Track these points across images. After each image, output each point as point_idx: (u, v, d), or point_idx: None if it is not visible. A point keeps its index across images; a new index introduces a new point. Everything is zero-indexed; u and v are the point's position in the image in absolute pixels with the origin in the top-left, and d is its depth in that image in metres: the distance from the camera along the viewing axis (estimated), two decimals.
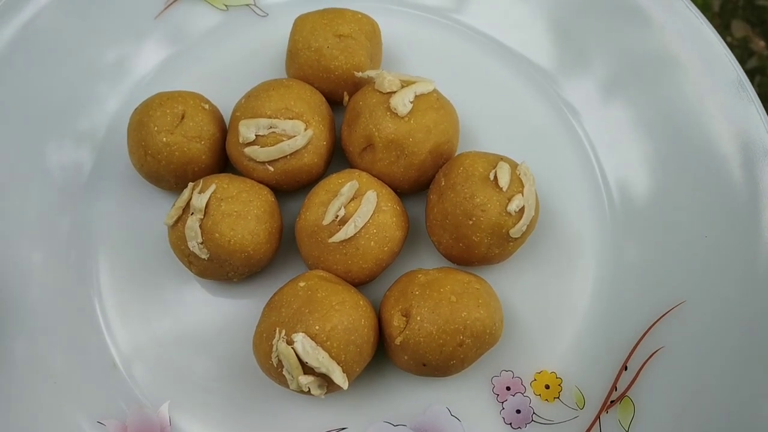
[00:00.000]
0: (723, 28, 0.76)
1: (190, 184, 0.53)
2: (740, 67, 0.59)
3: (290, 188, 0.57)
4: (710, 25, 0.60)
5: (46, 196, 0.59)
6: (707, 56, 0.60)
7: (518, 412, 0.54)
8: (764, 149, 0.57)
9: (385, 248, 0.53)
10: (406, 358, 0.50)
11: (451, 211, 0.52)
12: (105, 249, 0.58)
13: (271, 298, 0.51)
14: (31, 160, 0.60)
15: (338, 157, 0.59)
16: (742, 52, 0.75)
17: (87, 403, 0.54)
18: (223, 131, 0.58)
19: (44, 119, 0.61)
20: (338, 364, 0.48)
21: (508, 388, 0.55)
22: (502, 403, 0.55)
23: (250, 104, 0.55)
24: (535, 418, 0.54)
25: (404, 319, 0.50)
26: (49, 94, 0.61)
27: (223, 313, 0.57)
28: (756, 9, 0.76)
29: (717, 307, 0.55)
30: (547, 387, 0.55)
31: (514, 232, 0.52)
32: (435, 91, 0.56)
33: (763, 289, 0.54)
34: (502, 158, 0.54)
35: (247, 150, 0.54)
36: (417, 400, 0.55)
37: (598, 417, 0.54)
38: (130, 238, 0.59)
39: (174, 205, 0.53)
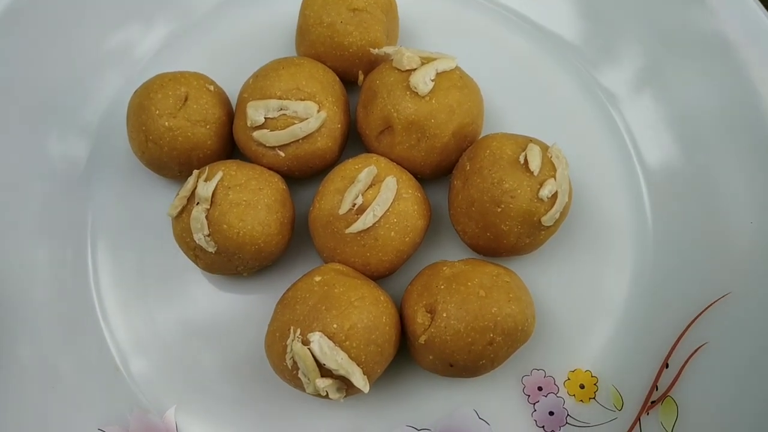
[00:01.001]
0: None
1: (195, 172, 0.50)
2: None
3: (302, 175, 0.53)
4: (762, 7, 0.56)
5: (44, 188, 0.56)
6: (758, 37, 0.55)
7: (551, 414, 0.51)
8: None
9: (407, 239, 0.49)
10: (431, 357, 0.47)
11: (477, 198, 0.48)
12: (105, 244, 0.55)
13: (284, 294, 0.48)
14: (29, 152, 0.56)
15: (353, 140, 0.55)
16: None
17: (89, 409, 0.51)
18: (230, 114, 0.54)
19: (41, 106, 0.57)
20: (358, 365, 0.44)
21: (539, 389, 0.52)
22: (534, 404, 0.51)
23: (259, 84, 0.51)
24: (569, 420, 0.51)
25: (429, 315, 0.46)
26: (46, 78, 0.58)
27: (233, 311, 0.54)
28: None
29: (765, 299, 0.51)
30: (582, 387, 0.52)
31: (546, 219, 0.48)
32: (457, 68, 0.52)
33: None
34: (531, 140, 0.50)
35: (256, 134, 0.50)
36: (442, 402, 0.51)
37: (638, 419, 0.50)
38: (132, 232, 0.56)
39: (178, 194, 0.49)
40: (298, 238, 0.54)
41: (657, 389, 0.51)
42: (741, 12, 0.56)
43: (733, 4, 0.56)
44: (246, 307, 0.53)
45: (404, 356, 0.50)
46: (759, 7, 0.56)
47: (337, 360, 0.43)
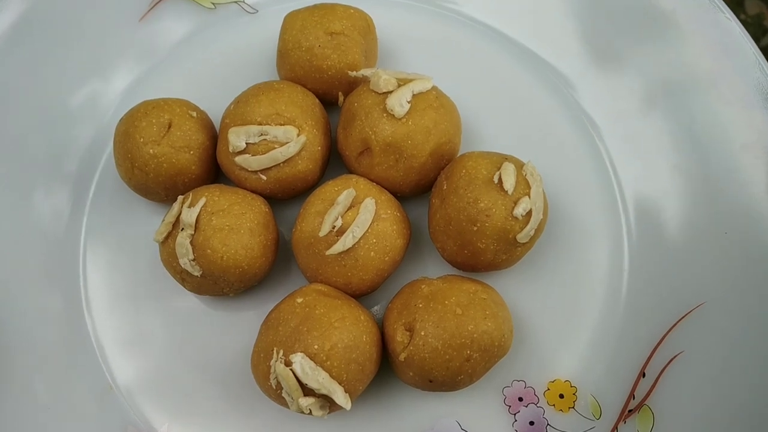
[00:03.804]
0: (737, 6, 0.73)
1: (180, 198, 0.51)
2: None
3: (285, 197, 0.54)
4: (748, 36, 0.57)
5: (35, 209, 0.57)
6: (736, 68, 0.57)
7: (531, 424, 0.52)
8: None
9: (386, 258, 0.50)
10: (411, 374, 0.48)
11: (454, 217, 0.49)
12: (97, 267, 0.56)
13: (268, 315, 0.49)
14: (23, 159, 0.58)
15: (335, 160, 0.56)
16: (756, 29, 0.73)
17: (84, 428, 0.52)
18: (213, 139, 0.55)
19: (30, 125, 0.58)
20: (340, 383, 0.46)
21: (520, 399, 0.53)
22: (515, 414, 0.53)
23: (239, 110, 0.52)
24: (549, 429, 0.52)
25: (408, 333, 0.48)
26: (41, 90, 0.59)
27: (222, 329, 0.55)
28: None
29: (738, 308, 0.52)
30: (562, 396, 0.53)
31: (522, 237, 0.49)
32: (434, 88, 0.53)
33: None
34: (506, 158, 0.51)
35: (238, 159, 0.52)
36: (425, 414, 0.53)
37: (615, 427, 0.51)
38: (122, 255, 0.57)
39: (163, 220, 0.50)
40: (284, 257, 0.55)
41: (634, 398, 0.52)
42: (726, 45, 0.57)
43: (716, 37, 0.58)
44: (234, 324, 0.55)
45: (387, 371, 0.51)
46: (745, 36, 0.57)
47: (319, 380, 0.45)
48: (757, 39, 0.72)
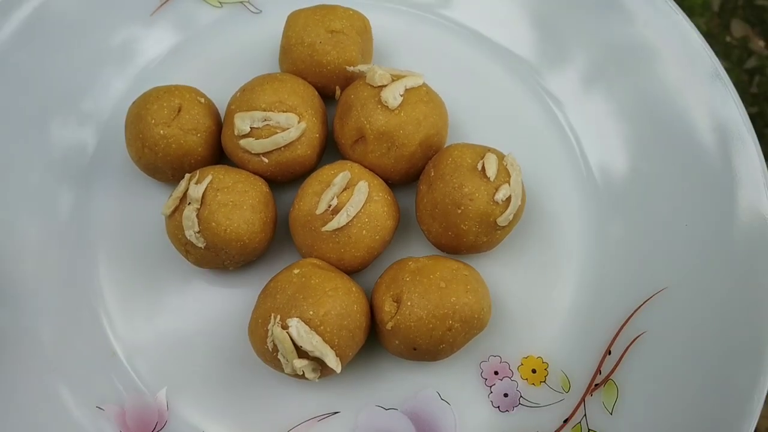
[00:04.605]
0: (722, 28, 0.75)
1: (187, 175, 0.54)
2: (716, 57, 0.61)
3: (284, 179, 0.58)
4: (687, 18, 0.62)
5: (48, 175, 0.61)
6: (684, 47, 0.62)
7: (506, 395, 0.56)
8: (740, 137, 0.59)
9: (377, 237, 0.54)
10: (397, 342, 0.52)
11: (440, 201, 0.54)
12: (105, 241, 0.60)
13: (266, 285, 0.53)
14: (35, 137, 0.62)
15: (331, 149, 0.60)
16: (741, 51, 0.75)
17: (86, 390, 0.55)
18: (219, 124, 0.59)
19: (50, 98, 0.63)
20: (332, 347, 0.49)
21: (496, 373, 0.57)
22: (491, 387, 0.56)
23: (246, 97, 0.56)
24: (522, 401, 0.56)
25: (395, 304, 0.52)
26: (56, 75, 0.63)
27: (220, 302, 0.58)
28: (755, 9, 0.75)
29: (697, 293, 0.56)
30: (534, 371, 0.57)
31: (501, 220, 0.53)
32: (424, 84, 0.57)
33: (740, 275, 0.56)
34: (489, 149, 0.55)
35: (242, 142, 0.56)
36: (408, 385, 0.56)
37: (583, 400, 0.55)
38: (128, 229, 0.60)
39: (171, 195, 0.54)
40: (280, 237, 0.59)
41: (600, 373, 0.56)
42: (666, 23, 0.63)
43: (659, 17, 0.64)
44: (232, 298, 0.58)
45: (374, 343, 0.55)
46: (685, 19, 0.63)
47: (313, 342, 0.48)
48: (742, 62, 0.74)
